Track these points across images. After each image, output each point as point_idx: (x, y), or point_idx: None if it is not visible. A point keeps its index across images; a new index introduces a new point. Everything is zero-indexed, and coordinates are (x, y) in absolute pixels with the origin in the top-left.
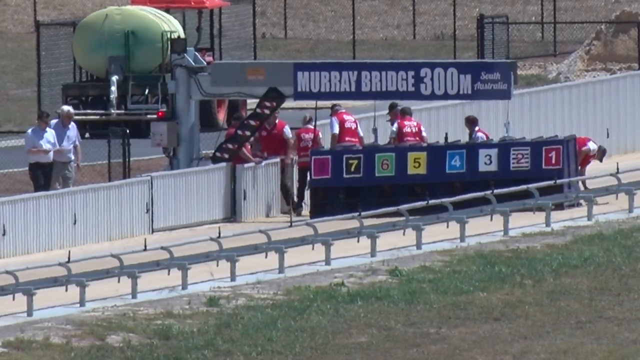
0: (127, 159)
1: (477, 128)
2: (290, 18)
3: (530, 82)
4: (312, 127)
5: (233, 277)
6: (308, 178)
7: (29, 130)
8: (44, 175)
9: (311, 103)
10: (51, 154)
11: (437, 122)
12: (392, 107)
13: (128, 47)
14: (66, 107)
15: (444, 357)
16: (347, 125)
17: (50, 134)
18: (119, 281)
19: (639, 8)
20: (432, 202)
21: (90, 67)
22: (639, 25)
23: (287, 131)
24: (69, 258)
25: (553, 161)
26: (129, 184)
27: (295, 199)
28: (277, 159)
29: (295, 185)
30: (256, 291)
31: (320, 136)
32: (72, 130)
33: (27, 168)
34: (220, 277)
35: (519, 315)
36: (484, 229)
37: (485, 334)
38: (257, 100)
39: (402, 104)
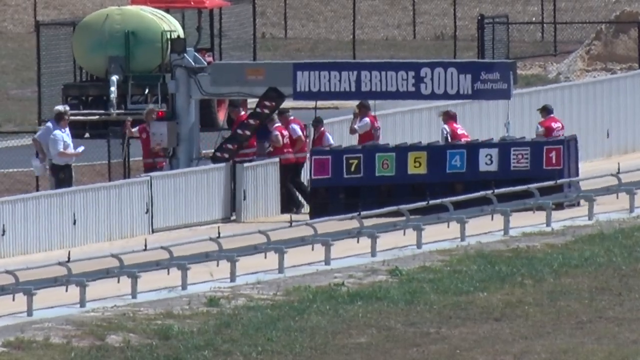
0: (127, 159)
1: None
2: (290, 18)
3: (530, 82)
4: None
5: (233, 277)
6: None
7: (57, 132)
8: (67, 177)
9: (310, 103)
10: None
11: (437, 121)
12: (317, 122)
13: (128, 47)
14: (61, 107)
15: (444, 357)
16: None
17: (69, 135)
18: (118, 281)
19: (639, 8)
20: (432, 201)
21: (90, 67)
22: (639, 25)
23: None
24: (69, 258)
25: (553, 161)
26: (128, 184)
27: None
28: (277, 159)
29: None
30: (256, 291)
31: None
32: (68, 130)
33: (27, 168)
34: (220, 277)
35: (519, 315)
36: (485, 229)
37: (486, 334)
38: (257, 100)
39: (402, 103)
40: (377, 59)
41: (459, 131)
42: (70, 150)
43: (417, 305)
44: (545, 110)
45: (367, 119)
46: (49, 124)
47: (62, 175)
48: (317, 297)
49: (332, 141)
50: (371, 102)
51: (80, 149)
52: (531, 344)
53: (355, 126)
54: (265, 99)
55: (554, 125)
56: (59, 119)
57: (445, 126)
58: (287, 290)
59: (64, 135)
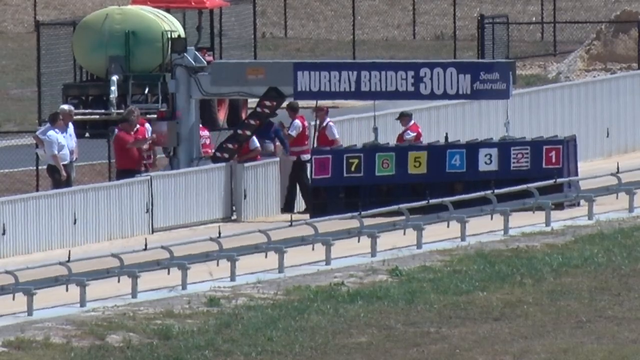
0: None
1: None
2: (290, 18)
3: (530, 82)
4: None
5: (233, 277)
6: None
7: (51, 133)
8: (66, 176)
9: (311, 102)
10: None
11: (437, 121)
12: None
13: (128, 46)
14: (67, 106)
15: (444, 357)
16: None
17: (67, 135)
18: (119, 281)
19: (639, 7)
20: (432, 201)
21: (91, 66)
22: (639, 25)
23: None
24: (69, 258)
25: (553, 160)
26: (129, 184)
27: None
28: (277, 159)
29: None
30: (256, 291)
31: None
32: (71, 128)
33: (27, 168)
34: (220, 277)
35: (519, 315)
36: (484, 229)
37: (485, 333)
38: (257, 100)
39: (401, 103)
40: (377, 59)
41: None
42: (62, 154)
43: (417, 305)
44: (407, 117)
45: (297, 121)
46: (49, 124)
47: (57, 176)
48: (317, 296)
49: (257, 144)
50: (371, 102)
51: (69, 150)
52: (531, 343)
53: (291, 132)
54: (266, 99)
55: (420, 130)
56: (53, 119)
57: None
58: (287, 290)
59: (58, 136)
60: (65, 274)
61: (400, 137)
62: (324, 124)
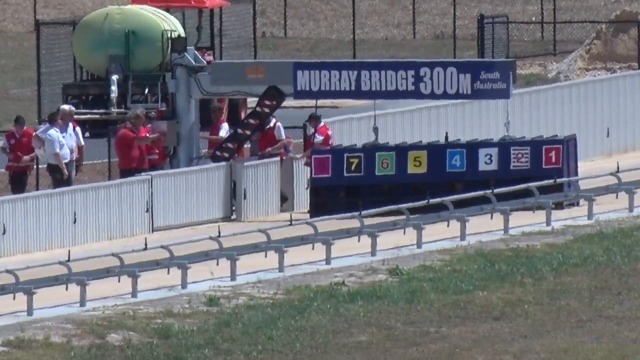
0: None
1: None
2: (290, 17)
3: (530, 82)
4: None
5: (233, 276)
6: None
7: (52, 132)
8: (64, 176)
9: (311, 102)
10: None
11: (437, 121)
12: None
13: (128, 46)
14: (67, 106)
15: (444, 356)
16: None
17: (67, 134)
18: (119, 280)
19: (638, 7)
20: (432, 201)
21: (91, 66)
22: (639, 25)
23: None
24: (69, 257)
25: (553, 160)
26: (129, 183)
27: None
28: (278, 158)
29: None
30: (256, 290)
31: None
32: (71, 127)
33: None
34: (220, 276)
35: (519, 314)
36: (485, 228)
37: (485, 333)
38: (257, 99)
39: (402, 103)
40: (377, 58)
41: None
42: (63, 153)
43: (417, 305)
44: (316, 119)
45: (226, 124)
46: (48, 124)
47: (58, 176)
48: (317, 296)
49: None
50: (371, 102)
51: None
52: (531, 343)
53: (221, 134)
54: (266, 98)
55: (329, 132)
56: (52, 119)
57: None
58: (287, 289)
59: (59, 135)
60: (65, 273)
61: (310, 140)
62: (271, 125)
